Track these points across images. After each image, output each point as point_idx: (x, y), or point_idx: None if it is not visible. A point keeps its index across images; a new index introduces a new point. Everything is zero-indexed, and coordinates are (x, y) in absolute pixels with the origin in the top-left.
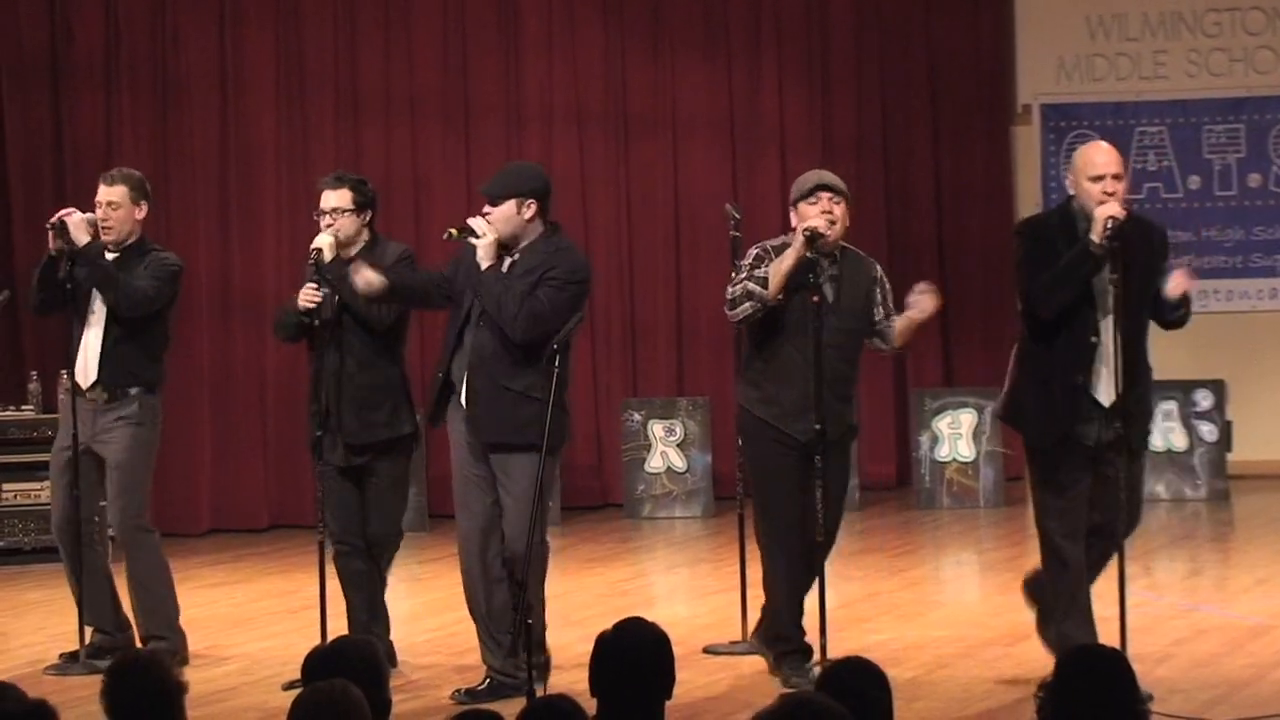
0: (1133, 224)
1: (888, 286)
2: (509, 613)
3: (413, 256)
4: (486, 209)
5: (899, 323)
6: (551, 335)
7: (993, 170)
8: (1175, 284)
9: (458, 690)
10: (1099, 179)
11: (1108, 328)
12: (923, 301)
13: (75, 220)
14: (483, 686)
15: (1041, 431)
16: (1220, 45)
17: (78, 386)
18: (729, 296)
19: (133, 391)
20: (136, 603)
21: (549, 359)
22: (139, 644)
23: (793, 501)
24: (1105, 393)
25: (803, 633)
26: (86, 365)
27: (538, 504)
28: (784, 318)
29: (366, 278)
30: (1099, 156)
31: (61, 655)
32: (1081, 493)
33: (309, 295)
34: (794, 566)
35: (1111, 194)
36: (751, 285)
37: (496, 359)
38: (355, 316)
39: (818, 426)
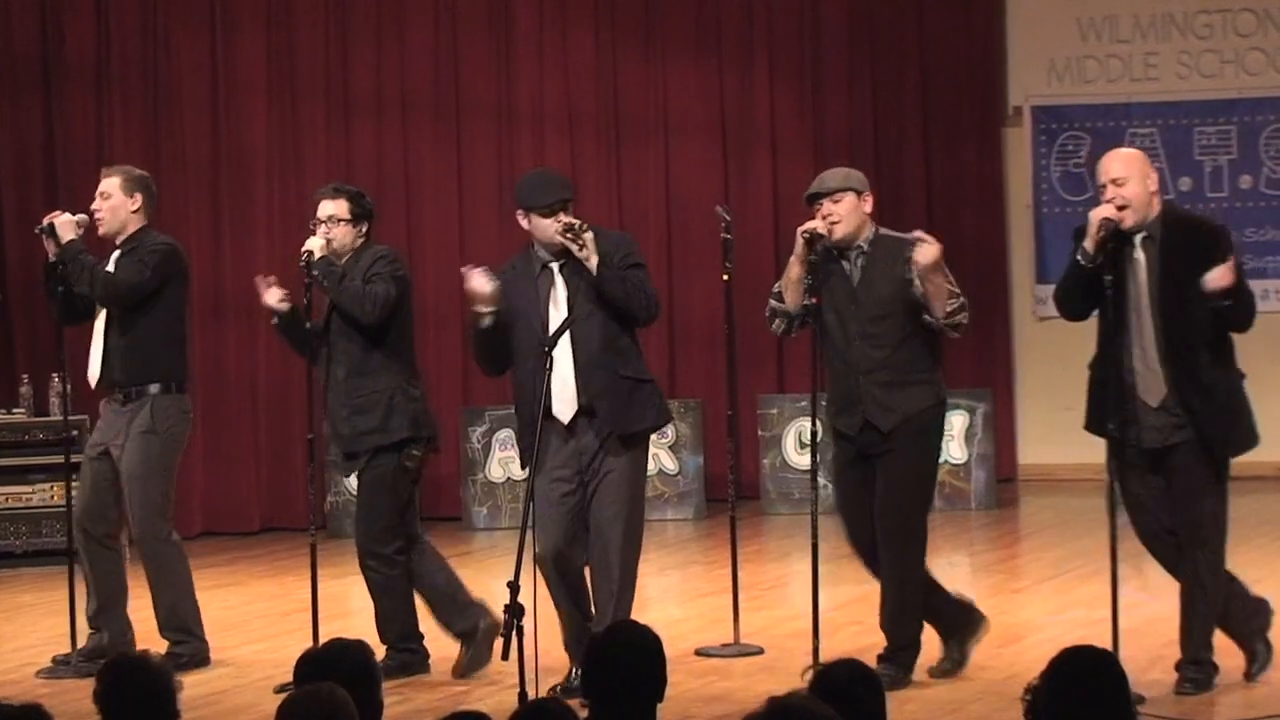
0: (1174, 223)
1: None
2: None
3: (387, 256)
4: (565, 214)
5: (919, 287)
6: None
7: (984, 172)
8: (1212, 277)
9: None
10: (1102, 187)
11: (1138, 328)
12: (919, 252)
13: (62, 221)
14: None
15: (1088, 422)
16: (1211, 47)
17: (101, 386)
18: (766, 316)
19: (152, 390)
20: (154, 609)
21: (541, 353)
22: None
23: (845, 500)
24: (1152, 393)
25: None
26: (98, 366)
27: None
28: (820, 320)
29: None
30: (1104, 163)
31: (54, 658)
32: (1133, 493)
33: (276, 297)
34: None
35: (1112, 199)
36: (774, 303)
37: (608, 350)
38: (345, 319)
39: (814, 429)
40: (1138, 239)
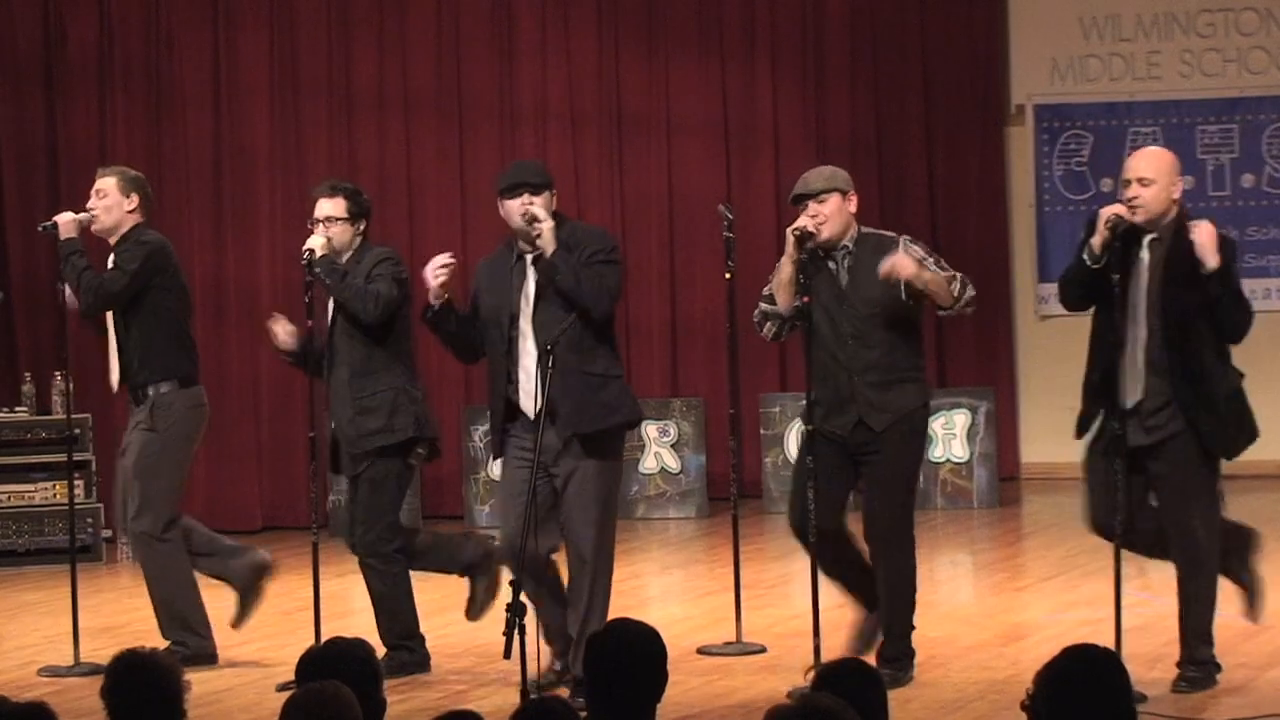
0: (1185, 229)
1: (918, 251)
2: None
3: (390, 258)
4: (528, 198)
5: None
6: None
7: (986, 170)
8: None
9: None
10: (1126, 184)
11: (1132, 328)
12: (893, 269)
13: (65, 220)
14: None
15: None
16: (1213, 45)
17: (123, 389)
18: (755, 322)
19: (151, 391)
20: (153, 607)
21: (544, 355)
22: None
23: (820, 500)
24: (1129, 393)
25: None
26: (112, 369)
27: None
28: (809, 320)
29: None
30: (1130, 161)
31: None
32: (1101, 487)
33: (286, 341)
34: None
35: (1132, 198)
36: (765, 306)
37: (570, 348)
38: (348, 318)
39: (809, 427)
40: (1146, 239)
